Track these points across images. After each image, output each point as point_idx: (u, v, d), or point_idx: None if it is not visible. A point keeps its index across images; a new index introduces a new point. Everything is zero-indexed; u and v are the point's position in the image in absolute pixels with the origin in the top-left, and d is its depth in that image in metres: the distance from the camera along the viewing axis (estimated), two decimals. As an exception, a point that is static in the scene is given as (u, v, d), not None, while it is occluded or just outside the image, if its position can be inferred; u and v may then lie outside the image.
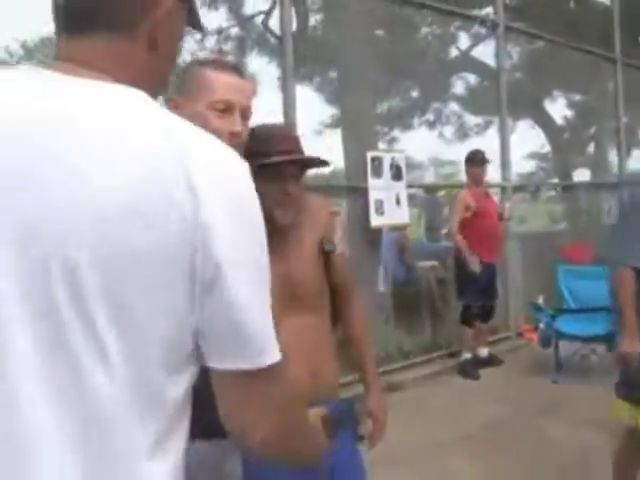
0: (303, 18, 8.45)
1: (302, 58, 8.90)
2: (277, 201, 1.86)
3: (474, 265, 5.82)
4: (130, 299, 0.84)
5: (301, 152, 1.94)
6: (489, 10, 7.90)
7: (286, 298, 1.91)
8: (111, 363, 0.85)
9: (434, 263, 7.92)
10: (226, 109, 1.65)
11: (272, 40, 8.30)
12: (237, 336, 0.91)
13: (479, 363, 6.13)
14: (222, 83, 1.66)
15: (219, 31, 9.10)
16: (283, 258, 1.93)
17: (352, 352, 2.19)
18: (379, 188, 5.75)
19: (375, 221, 5.73)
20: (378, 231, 6.21)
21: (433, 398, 5.43)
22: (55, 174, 0.83)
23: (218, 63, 1.72)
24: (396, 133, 12.30)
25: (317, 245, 2.02)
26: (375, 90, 7.91)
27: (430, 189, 9.46)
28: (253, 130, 1.92)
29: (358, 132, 6.39)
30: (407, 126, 11.51)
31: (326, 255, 2.03)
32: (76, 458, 0.85)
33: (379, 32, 8.57)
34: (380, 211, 5.74)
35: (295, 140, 1.97)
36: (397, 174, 5.88)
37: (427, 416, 5.02)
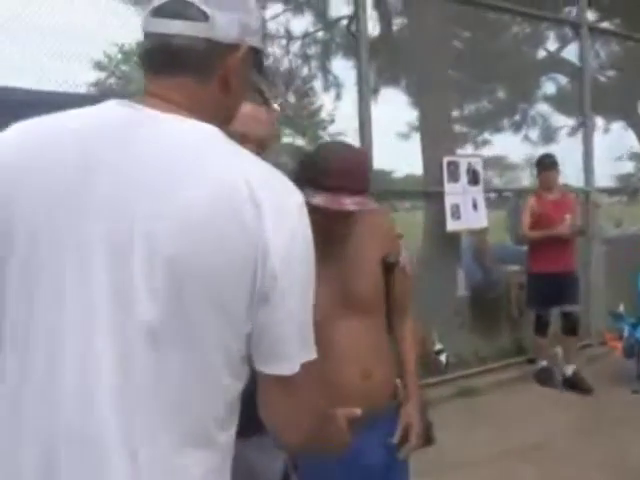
0: (387, 22, 8.49)
1: (385, 62, 8.96)
2: (328, 238, 1.86)
3: (562, 227, 5.65)
4: (198, 298, 0.98)
5: (354, 187, 1.83)
6: (576, 9, 7.73)
7: (342, 302, 1.99)
8: (160, 340, 0.98)
9: (516, 267, 7.81)
10: (242, 141, 1.70)
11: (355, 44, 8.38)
12: (281, 345, 1.05)
13: (564, 383, 5.84)
14: (240, 114, 1.70)
15: (304, 35, 9.27)
16: (341, 264, 2.00)
17: (399, 365, 2.23)
18: (455, 193, 5.75)
19: (451, 226, 5.73)
20: (455, 235, 6.21)
21: (507, 404, 5.39)
22: (154, 181, 1.00)
23: None
24: (486, 135, 12.13)
25: (378, 256, 2.07)
26: (458, 93, 7.89)
27: (519, 192, 9.27)
28: (314, 151, 1.95)
29: (436, 136, 6.40)
30: (498, 128, 11.34)
31: (389, 267, 2.08)
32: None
33: (463, 34, 8.53)
34: (456, 215, 5.74)
35: (350, 173, 1.84)
36: (474, 179, 5.86)
37: (499, 422, 4.99)
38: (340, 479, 2.02)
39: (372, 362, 2.04)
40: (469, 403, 5.41)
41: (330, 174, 1.82)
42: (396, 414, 2.15)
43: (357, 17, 5.39)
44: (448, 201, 5.72)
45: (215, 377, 1.03)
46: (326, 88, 9.49)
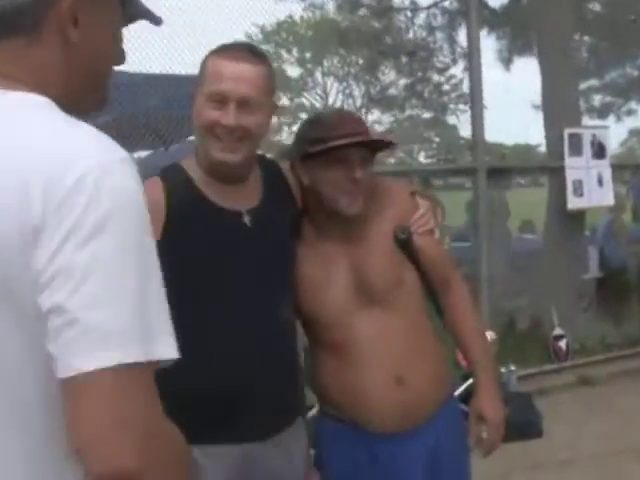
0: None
1: (515, 28, 8.52)
2: (343, 188, 1.73)
3: None
4: None
5: (365, 135, 1.77)
6: None
7: (357, 292, 1.80)
8: None
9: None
10: (221, 100, 1.57)
11: (486, 13, 7.99)
12: (67, 341, 0.83)
13: None
14: (218, 73, 1.58)
15: (429, 6, 8.95)
16: (351, 250, 1.82)
17: (457, 345, 1.99)
18: (578, 167, 5.33)
19: (572, 203, 5.32)
20: (582, 213, 5.80)
21: (631, 397, 4.93)
22: None
23: (223, 49, 1.63)
24: (633, 105, 11.34)
25: (390, 230, 1.82)
26: (595, 59, 7.38)
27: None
28: (313, 117, 1.91)
29: (561, 107, 5.98)
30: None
31: (402, 244, 1.81)
32: None
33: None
34: (579, 192, 5.33)
35: (358, 123, 1.81)
36: (599, 152, 5.41)
37: (620, 416, 4.58)
38: None
39: (406, 364, 1.78)
40: (589, 393, 5.04)
41: (340, 124, 1.75)
42: (444, 420, 1.87)
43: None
44: (570, 177, 5.32)
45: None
46: (454, 60, 9.19)
